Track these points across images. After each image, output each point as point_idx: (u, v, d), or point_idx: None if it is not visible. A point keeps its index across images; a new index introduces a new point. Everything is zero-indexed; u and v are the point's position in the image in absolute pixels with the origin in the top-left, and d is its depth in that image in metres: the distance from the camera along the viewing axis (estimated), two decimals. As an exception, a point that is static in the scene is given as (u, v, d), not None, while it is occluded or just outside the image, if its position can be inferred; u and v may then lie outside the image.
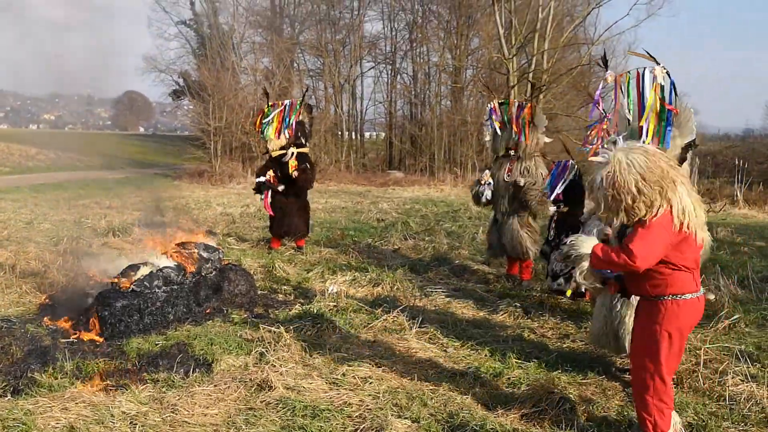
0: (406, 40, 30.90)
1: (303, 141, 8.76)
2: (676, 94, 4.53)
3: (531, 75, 22.89)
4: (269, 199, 8.66)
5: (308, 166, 8.74)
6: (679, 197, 3.16)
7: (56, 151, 24.52)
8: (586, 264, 3.31)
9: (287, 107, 8.61)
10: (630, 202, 3.11)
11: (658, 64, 4.54)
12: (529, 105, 7.06)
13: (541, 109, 7.41)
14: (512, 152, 7.04)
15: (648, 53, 4.59)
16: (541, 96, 23.08)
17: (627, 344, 4.27)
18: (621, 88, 4.66)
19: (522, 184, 6.93)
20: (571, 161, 6.72)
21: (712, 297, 5.94)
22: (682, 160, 4.42)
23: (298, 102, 8.71)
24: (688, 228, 3.15)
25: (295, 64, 30.53)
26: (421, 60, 30.40)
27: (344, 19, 30.81)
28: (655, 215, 3.12)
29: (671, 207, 3.14)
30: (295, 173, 8.52)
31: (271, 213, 8.71)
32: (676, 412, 3.79)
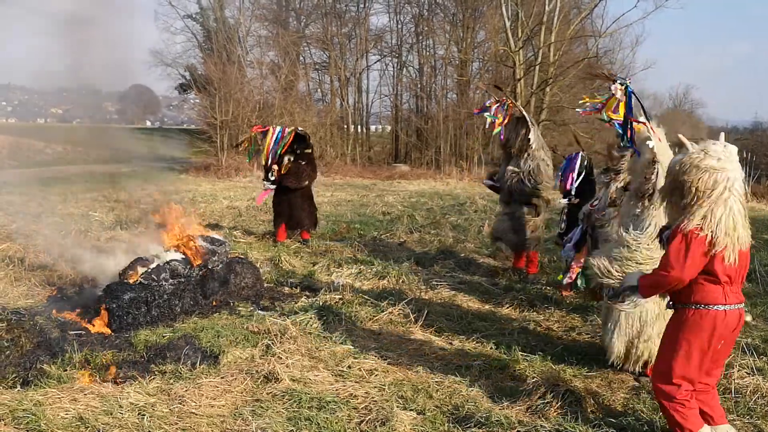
0: (412, 33, 30.77)
1: (299, 151, 8.71)
2: (643, 110, 4.64)
3: (538, 67, 22.80)
4: (269, 193, 8.76)
5: (302, 164, 8.67)
6: (720, 214, 3.14)
7: (64, 145, 24.60)
8: (636, 298, 3.37)
9: (278, 135, 8.55)
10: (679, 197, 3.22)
11: (614, 82, 4.63)
12: (509, 103, 7.11)
13: (522, 107, 7.60)
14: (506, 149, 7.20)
15: (606, 73, 4.86)
16: (547, 89, 23.01)
17: (614, 347, 4.31)
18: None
19: (507, 176, 7.05)
20: (581, 153, 6.73)
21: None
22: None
23: (289, 131, 8.61)
24: (720, 244, 3.12)
25: (301, 58, 30.49)
26: (427, 53, 30.29)
27: (350, 12, 30.73)
28: (691, 221, 3.15)
29: (708, 219, 3.14)
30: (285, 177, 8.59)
31: (259, 203, 8.82)
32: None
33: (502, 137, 7.13)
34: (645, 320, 4.23)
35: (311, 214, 8.97)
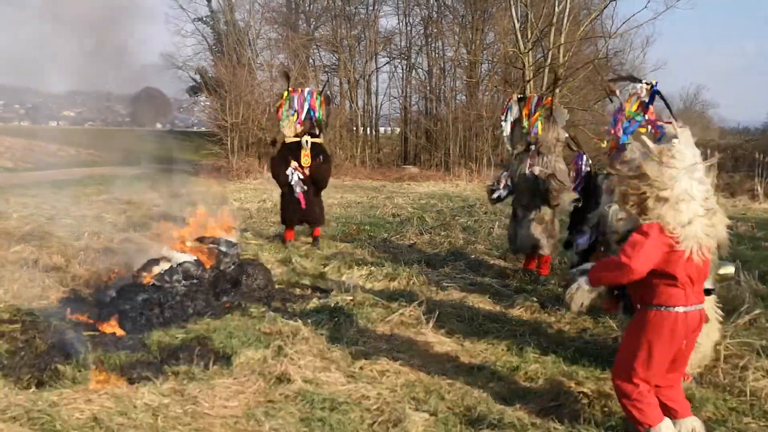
0: (421, 35, 30.76)
1: (317, 132, 8.74)
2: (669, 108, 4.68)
3: (549, 67, 22.71)
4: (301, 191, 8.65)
5: (321, 159, 8.68)
6: (682, 214, 3.19)
7: (77, 148, 24.82)
8: (584, 284, 3.44)
9: (309, 96, 8.62)
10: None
11: (639, 82, 4.68)
12: (548, 98, 7.03)
13: (559, 103, 7.39)
14: (532, 147, 7.01)
15: (630, 75, 4.93)
16: (557, 90, 22.91)
17: None
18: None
19: (537, 173, 6.92)
20: (583, 155, 6.69)
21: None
22: None
23: (318, 93, 8.72)
24: (680, 243, 3.17)
25: (311, 60, 30.58)
26: (436, 55, 30.27)
27: (359, 14, 30.78)
28: (653, 218, 3.20)
29: (669, 218, 3.18)
30: (308, 171, 8.53)
31: (304, 206, 8.65)
32: (696, 407, 3.77)
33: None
34: None
35: (321, 210, 8.94)
